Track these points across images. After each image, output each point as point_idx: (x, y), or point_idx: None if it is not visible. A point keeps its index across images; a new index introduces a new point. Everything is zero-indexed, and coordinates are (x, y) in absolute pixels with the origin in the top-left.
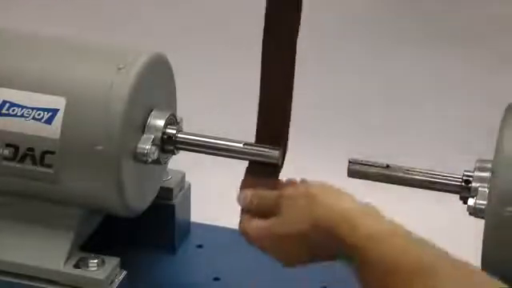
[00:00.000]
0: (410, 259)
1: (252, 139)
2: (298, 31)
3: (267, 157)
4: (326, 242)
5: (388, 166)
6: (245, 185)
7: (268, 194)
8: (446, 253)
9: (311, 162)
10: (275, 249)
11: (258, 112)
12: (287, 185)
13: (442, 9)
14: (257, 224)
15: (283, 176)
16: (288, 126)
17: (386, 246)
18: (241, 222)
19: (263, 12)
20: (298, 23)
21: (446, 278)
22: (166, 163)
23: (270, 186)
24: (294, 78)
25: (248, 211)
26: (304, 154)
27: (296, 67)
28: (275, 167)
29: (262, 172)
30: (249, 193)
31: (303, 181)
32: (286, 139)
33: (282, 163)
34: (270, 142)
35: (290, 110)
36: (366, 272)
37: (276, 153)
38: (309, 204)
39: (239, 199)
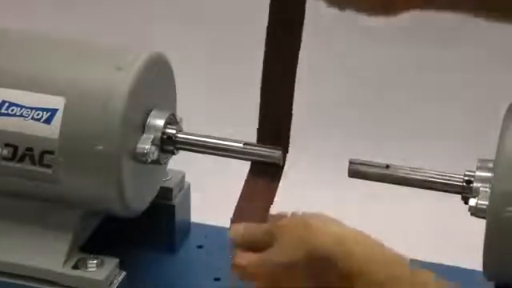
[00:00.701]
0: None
1: (252, 139)
2: (302, 24)
3: (267, 157)
4: (324, 269)
5: (388, 166)
6: (238, 210)
7: (261, 227)
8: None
9: (311, 162)
10: (274, 281)
11: (259, 112)
12: (279, 217)
13: None
14: (251, 257)
15: (286, 175)
16: (289, 126)
17: (382, 268)
18: (235, 259)
19: (263, 10)
20: (303, 17)
21: None
22: (165, 163)
23: (261, 220)
24: (295, 76)
25: (241, 246)
26: (303, 154)
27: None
28: (277, 168)
29: (264, 173)
30: (241, 227)
31: (294, 213)
32: (288, 139)
33: (284, 164)
34: (271, 142)
35: (291, 109)
36: None
37: (276, 153)
38: (304, 232)
39: (231, 233)
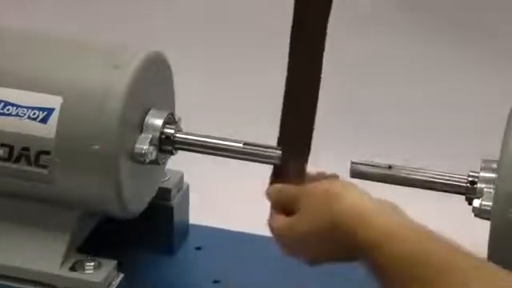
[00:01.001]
0: (430, 256)
1: (252, 139)
2: (327, 24)
3: (268, 157)
4: (345, 239)
5: (390, 167)
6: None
7: (289, 191)
8: (459, 247)
9: (315, 162)
10: (296, 247)
11: (281, 113)
12: (313, 179)
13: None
14: (279, 221)
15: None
16: (313, 128)
17: (402, 242)
18: (268, 219)
19: (264, 9)
20: (328, 15)
21: (471, 275)
22: (164, 163)
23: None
24: (320, 80)
25: (274, 207)
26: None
27: None
28: (300, 171)
29: (286, 176)
30: (273, 188)
31: (331, 175)
32: (310, 142)
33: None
34: (293, 144)
35: (315, 111)
36: (383, 270)
37: (276, 153)
38: (328, 202)
39: (268, 193)
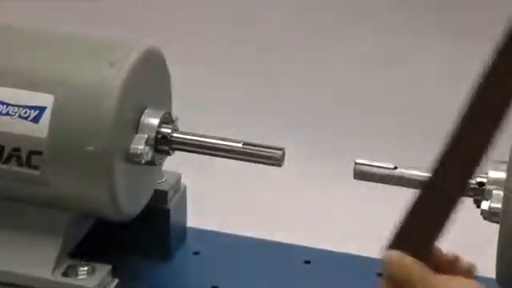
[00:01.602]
0: None
1: (252, 138)
2: None
3: (268, 158)
4: None
5: (396, 168)
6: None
7: (414, 270)
8: None
9: (316, 163)
10: None
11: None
12: (445, 261)
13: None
14: None
15: (291, 177)
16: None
17: None
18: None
19: (264, 10)
20: None
21: None
22: (160, 164)
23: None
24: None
25: (388, 278)
26: (309, 154)
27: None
28: (427, 243)
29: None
30: (395, 259)
31: (468, 267)
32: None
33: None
34: (460, 169)
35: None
36: None
37: (277, 153)
38: None
39: (383, 259)
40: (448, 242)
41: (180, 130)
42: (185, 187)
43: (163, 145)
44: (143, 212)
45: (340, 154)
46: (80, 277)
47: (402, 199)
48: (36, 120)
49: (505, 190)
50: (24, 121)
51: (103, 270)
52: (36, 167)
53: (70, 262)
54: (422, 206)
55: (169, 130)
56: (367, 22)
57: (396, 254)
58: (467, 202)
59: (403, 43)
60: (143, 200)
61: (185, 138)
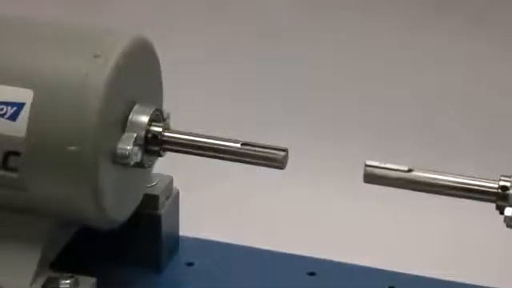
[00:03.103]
0: None
1: (251, 138)
2: None
3: (268, 159)
4: None
5: (410, 170)
6: None
7: None
8: None
9: (325, 165)
10: None
11: None
12: None
13: None
14: None
15: (294, 181)
16: None
17: None
18: None
19: (265, 10)
20: None
21: None
22: (150, 166)
23: None
24: None
25: None
26: (318, 156)
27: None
28: None
29: None
30: None
31: None
32: None
33: None
34: None
35: None
36: None
37: (279, 154)
38: None
39: None
40: (467, 252)
41: (172, 128)
42: (177, 192)
43: (153, 145)
44: (131, 219)
45: (347, 155)
46: None
47: (416, 205)
48: (13, 118)
49: None
50: (0, 118)
51: (87, 282)
52: (13, 169)
53: (50, 273)
54: None
55: (160, 129)
56: (370, 17)
57: None
58: (489, 208)
59: (404, 41)
60: (131, 205)
61: (177, 138)
